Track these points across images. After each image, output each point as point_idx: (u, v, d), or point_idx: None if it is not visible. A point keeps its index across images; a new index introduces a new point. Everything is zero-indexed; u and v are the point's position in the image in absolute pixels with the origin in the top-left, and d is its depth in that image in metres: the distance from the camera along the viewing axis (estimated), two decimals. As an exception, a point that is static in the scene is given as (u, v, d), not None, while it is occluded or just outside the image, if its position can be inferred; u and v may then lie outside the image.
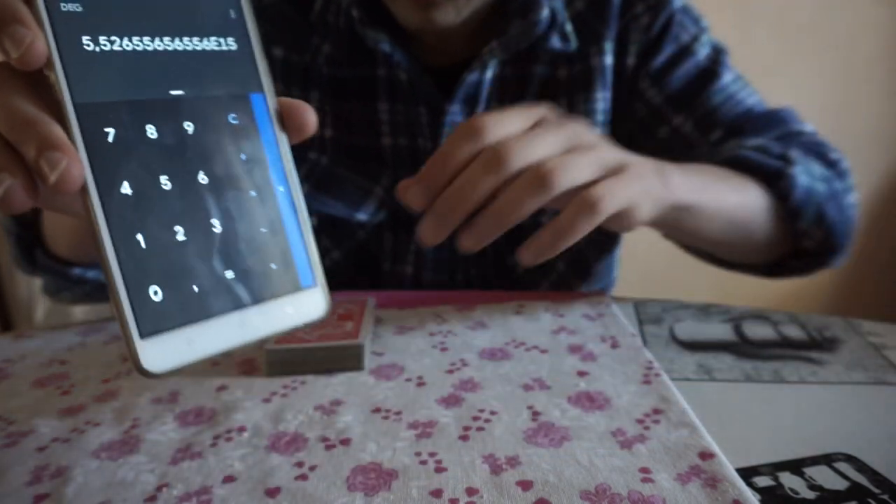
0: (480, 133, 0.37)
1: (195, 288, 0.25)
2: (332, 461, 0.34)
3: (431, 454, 0.34)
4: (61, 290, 0.63)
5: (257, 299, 0.27)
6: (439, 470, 0.32)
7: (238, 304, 0.26)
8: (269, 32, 0.64)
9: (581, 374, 0.42)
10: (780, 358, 0.45)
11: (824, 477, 0.31)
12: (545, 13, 0.61)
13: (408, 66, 0.61)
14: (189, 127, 0.26)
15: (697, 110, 0.64)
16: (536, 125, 0.40)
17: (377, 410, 0.38)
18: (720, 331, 0.50)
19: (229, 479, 0.32)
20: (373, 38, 0.60)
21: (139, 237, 0.24)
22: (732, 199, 0.52)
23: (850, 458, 0.33)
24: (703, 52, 0.65)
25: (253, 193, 0.27)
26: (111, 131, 0.24)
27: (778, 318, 0.52)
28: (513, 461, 0.33)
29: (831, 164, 0.62)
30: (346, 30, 0.62)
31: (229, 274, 0.26)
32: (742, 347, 0.47)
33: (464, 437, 0.35)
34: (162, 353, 0.24)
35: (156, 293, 0.24)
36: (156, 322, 0.24)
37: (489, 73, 0.62)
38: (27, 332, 0.54)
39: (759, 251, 0.60)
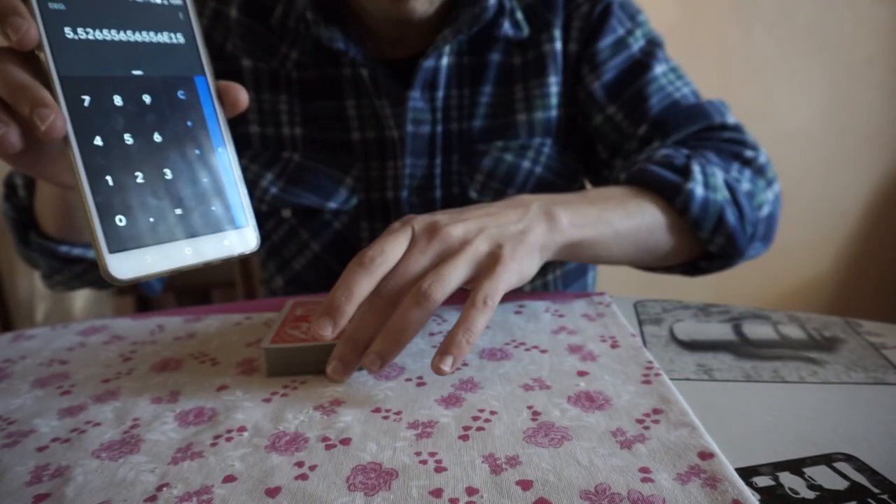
0: (371, 266, 0.42)
1: (150, 219, 0.33)
2: (333, 461, 0.34)
3: (431, 454, 0.34)
4: (54, 273, 0.67)
5: (200, 232, 0.34)
6: (439, 470, 0.32)
7: (185, 234, 0.34)
8: (237, 46, 0.68)
9: (581, 374, 0.42)
10: (780, 358, 0.45)
11: (824, 477, 0.31)
12: (491, 1, 0.64)
13: (363, 60, 0.65)
14: (147, 98, 0.34)
15: (629, 102, 0.68)
16: (412, 242, 0.44)
17: (377, 410, 0.38)
18: (720, 331, 0.50)
19: (229, 479, 0.32)
20: (327, 38, 0.64)
21: (108, 178, 0.32)
22: (625, 224, 0.55)
23: (849, 458, 0.33)
24: (636, 45, 0.69)
25: (197, 152, 0.35)
26: (87, 98, 0.32)
27: (778, 318, 0.52)
28: (513, 461, 0.33)
29: (747, 162, 0.65)
30: (307, 34, 0.66)
31: (178, 211, 0.34)
32: (742, 347, 0.47)
33: (464, 437, 0.35)
34: (125, 265, 0.31)
35: (120, 220, 0.32)
36: (120, 242, 0.31)
37: (445, 60, 0.66)
38: (27, 332, 0.54)
39: (667, 259, 0.63)
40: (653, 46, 0.69)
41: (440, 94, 0.67)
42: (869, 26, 1.72)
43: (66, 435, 0.37)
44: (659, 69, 0.68)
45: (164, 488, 0.32)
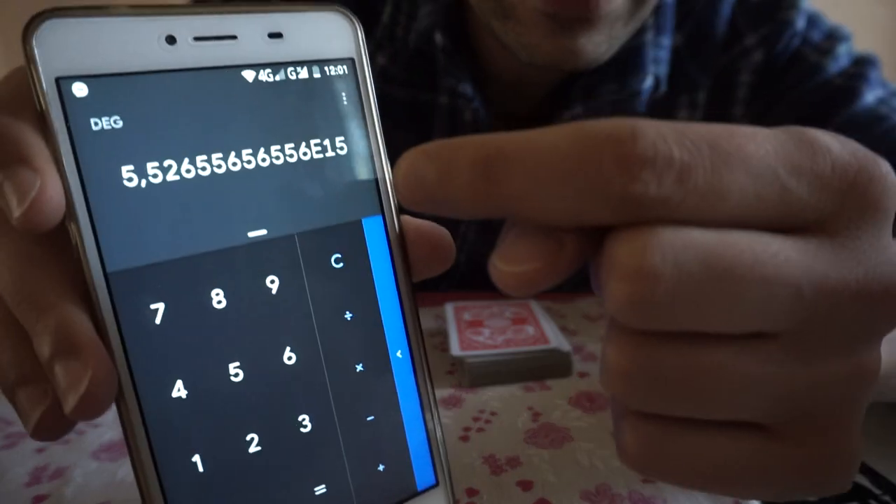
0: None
1: None
2: (332, 462, 0.33)
3: (431, 455, 0.34)
4: None
5: None
6: (439, 471, 0.32)
7: None
8: None
9: (582, 375, 0.42)
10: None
11: (825, 478, 0.31)
12: (648, 83, 0.48)
13: (485, 116, 0.51)
14: (273, 284, 0.19)
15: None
16: None
17: (377, 411, 0.38)
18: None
19: (229, 480, 0.32)
20: (454, 77, 0.50)
21: (196, 459, 0.17)
22: None
23: (851, 459, 0.33)
24: (833, 67, 0.49)
25: (359, 368, 0.20)
26: (160, 308, 0.17)
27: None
28: (513, 461, 0.33)
29: None
30: (414, 49, 0.52)
31: (320, 490, 0.19)
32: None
33: (464, 438, 0.35)
34: None
35: None
36: None
37: None
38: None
39: None
40: (862, 67, 0.50)
41: None
42: (869, 26, 1.71)
43: (65, 435, 0.37)
44: (871, 96, 0.49)
45: (164, 489, 0.32)
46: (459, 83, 0.49)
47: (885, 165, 0.17)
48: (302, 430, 0.19)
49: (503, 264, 0.16)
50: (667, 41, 0.49)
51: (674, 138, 0.15)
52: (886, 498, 0.30)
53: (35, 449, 0.36)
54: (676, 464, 0.17)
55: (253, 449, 0.18)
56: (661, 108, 0.50)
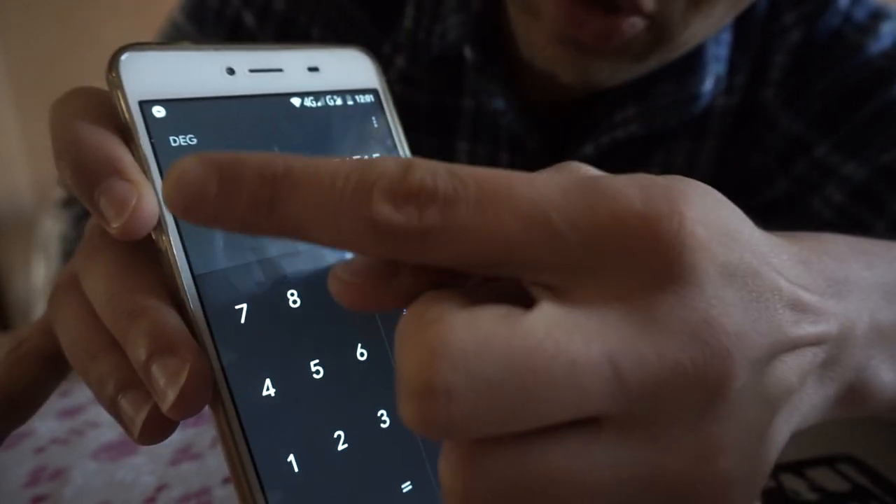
0: None
1: None
2: (332, 462, 0.33)
3: (432, 455, 0.34)
4: None
5: None
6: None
7: None
8: (323, 37, 0.50)
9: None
10: (781, 359, 0.45)
11: (826, 479, 0.31)
12: (708, 85, 0.43)
13: (519, 125, 0.47)
14: None
15: (856, 133, 0.43)
16: None
17: (377, 411, 0.38)
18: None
19: (229, 481, 0.32)
20: (486, 92, 0.46)
21: (291, 459, 0.18)
22: None
23: (852, 460, 0.33)
24: (874, 47, 0.44)
25: None
26: (243, 308, 0.18)
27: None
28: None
29: None
30: (437, 55, 0.48)
31: (406, 487, 0.19)
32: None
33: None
34: None
35: None
36: None
37: (609, 140, 0.46)
38: (25, 333, 0.54)
39: None
40: None
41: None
42: None
43: (64, 436, 0.37)
44: None
45: (163, 490, 0.32)
46: (491, 98, 0.46)
47: (688, 218, 0.15)
48: (382, 425, 0.19)
49: (337, 269, 0.16)
50: (726, 37, 0.45)
51: (443, 175, 0.15)
52: (887, 498, 0.30)
53: (34, 450, 0.36)
54: None
55: (341, 446, 0.19)
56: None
